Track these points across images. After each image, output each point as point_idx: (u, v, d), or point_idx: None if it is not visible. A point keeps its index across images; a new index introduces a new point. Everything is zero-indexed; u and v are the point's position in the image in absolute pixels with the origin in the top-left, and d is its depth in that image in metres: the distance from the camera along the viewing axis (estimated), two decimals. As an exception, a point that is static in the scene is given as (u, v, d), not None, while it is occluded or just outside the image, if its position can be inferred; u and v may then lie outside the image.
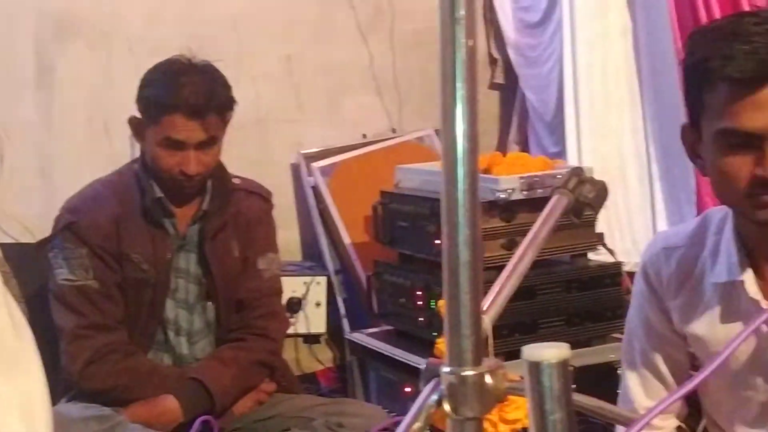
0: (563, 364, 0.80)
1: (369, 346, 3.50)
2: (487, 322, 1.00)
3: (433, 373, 0.92)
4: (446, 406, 0.91)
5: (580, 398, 0.91)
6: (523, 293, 3.06)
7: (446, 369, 0.90)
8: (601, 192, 1.38)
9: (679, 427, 2.00)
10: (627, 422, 0.97)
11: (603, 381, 2.73)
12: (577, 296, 3.16)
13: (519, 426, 2.10)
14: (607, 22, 3.69)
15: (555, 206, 1.24)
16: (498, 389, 0.90)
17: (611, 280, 3.17)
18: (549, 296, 3.12)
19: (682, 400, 1.96)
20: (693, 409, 2.00)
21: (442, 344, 0.98)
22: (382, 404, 3.11)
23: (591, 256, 3.26)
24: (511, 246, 3.04)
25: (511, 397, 0.91)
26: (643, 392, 1.92)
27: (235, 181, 2.84)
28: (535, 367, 0.82)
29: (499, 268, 1.20)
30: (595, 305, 3.15)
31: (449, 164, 0.90)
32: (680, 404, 1.96)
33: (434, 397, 0.93)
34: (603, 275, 3.18)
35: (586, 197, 1.33)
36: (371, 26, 4.10)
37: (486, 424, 1.30)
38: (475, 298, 0.88)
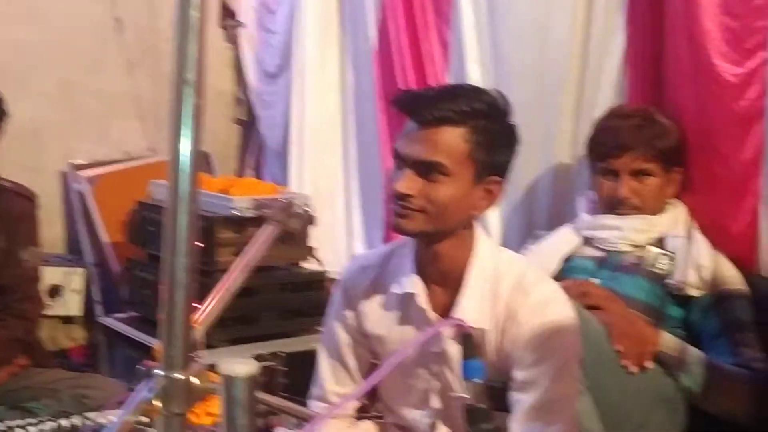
0: (251, 379, 0.77)
1: (116, 329, 3.33)
2: (200, 331, 0.96)
3: (147, 374, 0.87)
4: (157, 403, 0.85)
5: (270, 399, 0.88)
6: (247, 292, 2.99)
7: (160, 372, 0.85)
8: (305, 224, 1.36)
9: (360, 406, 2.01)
10: (308, 418, 0.95)
11: (307, 364, 2.72)
12: (290, 296, 3.14)
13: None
14: (327, 80, 3.68)
15: (267, 235, 1.20)
16: (202, 389, 0.85)
17: (318, 284, 3.17)
18: (268, 295, 3.09)
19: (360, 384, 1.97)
20: (370, 393, 2.02)
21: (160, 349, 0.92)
22: (125, 380, 2.96)
23: (304, 264, 3.25)
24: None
25: (213, 395, 0.87)
26: (332, 378, 1.91)
27: (5, 183, 2.66)
28: (229, 380, 0.78)
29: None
30: (304, 304, 3.14)
31: (174, 181, 0.83)
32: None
33: (147, 394, 0.87)
34: (312, 280, 3.18)
35: (295, 229, 1.31)
36: (139, 63, 3.93)
37: (192, 417, 1.25)
38: (187, 314, 0.83)
